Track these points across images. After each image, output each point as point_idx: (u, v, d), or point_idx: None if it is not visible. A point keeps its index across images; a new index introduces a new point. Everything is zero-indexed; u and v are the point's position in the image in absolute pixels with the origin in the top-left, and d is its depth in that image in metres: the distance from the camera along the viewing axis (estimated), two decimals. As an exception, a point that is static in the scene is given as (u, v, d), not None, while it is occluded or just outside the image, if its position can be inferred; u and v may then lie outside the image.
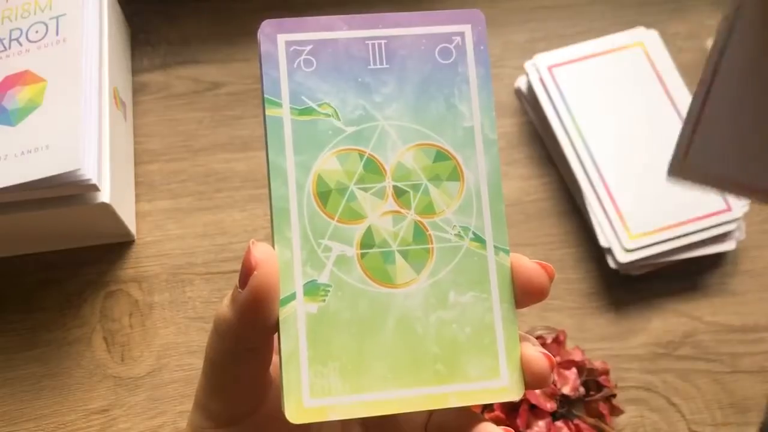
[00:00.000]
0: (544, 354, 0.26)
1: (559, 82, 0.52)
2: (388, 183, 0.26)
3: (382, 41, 0.27)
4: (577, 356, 0.44)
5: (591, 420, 0.43)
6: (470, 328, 0.26)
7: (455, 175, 0.27)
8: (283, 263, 0.25)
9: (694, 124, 0.35)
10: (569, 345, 0.46)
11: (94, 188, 0.43)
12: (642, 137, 0.51)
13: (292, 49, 0.26)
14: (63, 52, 0.46)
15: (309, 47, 0.27)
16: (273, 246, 0.25)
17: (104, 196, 0.45)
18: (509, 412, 0.43)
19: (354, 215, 0.26)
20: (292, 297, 0.25)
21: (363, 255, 0.26)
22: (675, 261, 0.49)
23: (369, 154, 0.26)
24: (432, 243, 0.26)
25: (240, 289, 0.24)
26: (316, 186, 0.26)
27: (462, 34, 0.27)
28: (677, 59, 0.54)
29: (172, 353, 0.47)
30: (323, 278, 0.25)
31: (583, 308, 0.50)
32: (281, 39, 0.27)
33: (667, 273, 0.50)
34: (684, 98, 0.51)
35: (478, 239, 0.26)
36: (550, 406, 0.42)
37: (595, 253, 0.51)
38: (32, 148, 0.42)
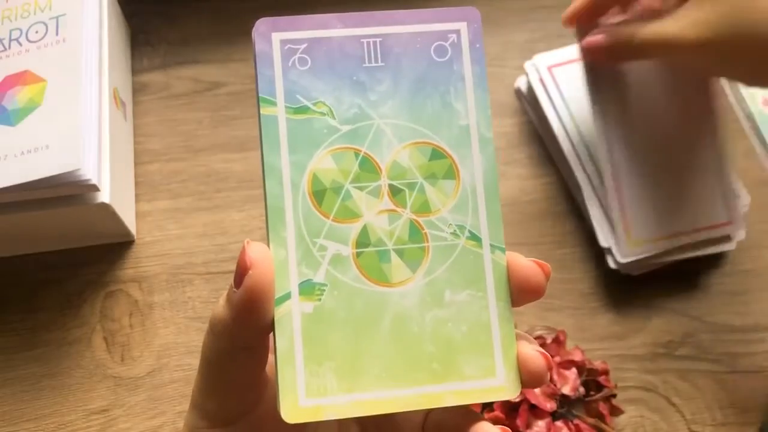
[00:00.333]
0: (541, 352, 0.26)
1: (559, 82, 0.52)
2: (384, 182, 0.26)
3: (377, 39, 0.27)
4: (577, 356, 0.44)
5: (591, 420, 0.43)
6: (466, 326, 0.26)
7: (451, 173, 0.27)
8: (278, 262, 0.25)
9: (620, 211, 0.47)
10: (569, 345, 0.46)
11: (94, 188, 0.43)
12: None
13: (286, 47, 0.26)
14: (63, 52, 0.46)
15: (304, 45, 0.26)
16: (268, 245, 0.25)
17: (104, 196, 0.45)
18: (509, 412, 0.43)
19: (349, 214, 0.26)
20: (288, 296, 0.25)
21: (358, 254, 0.26)
22: (675, 261, 0.49)
23: (364, 152, 0.26)
24: (428, 241, 0.26)
25: (235, 289, 0.24)
26: (311, 185, 0.26)
27: (457, 32, 0.27)
28: (677, 59, 0.53)
29: (172, 353, 0.47)
30: (318, 277, 0.25)
31: (582, 308, 0.49)
32: (276, 37, 0.26)
33: (667, 273, 0.49)
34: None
35: (474, 237, 0.26)
36: (549, 406, 0.42)
37: (594, 253, 0.51)
38: (32, 148, 0.42)
